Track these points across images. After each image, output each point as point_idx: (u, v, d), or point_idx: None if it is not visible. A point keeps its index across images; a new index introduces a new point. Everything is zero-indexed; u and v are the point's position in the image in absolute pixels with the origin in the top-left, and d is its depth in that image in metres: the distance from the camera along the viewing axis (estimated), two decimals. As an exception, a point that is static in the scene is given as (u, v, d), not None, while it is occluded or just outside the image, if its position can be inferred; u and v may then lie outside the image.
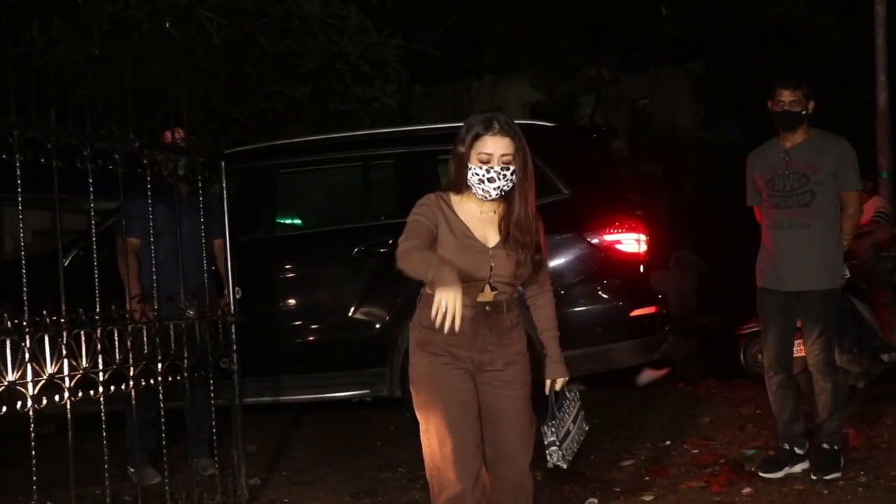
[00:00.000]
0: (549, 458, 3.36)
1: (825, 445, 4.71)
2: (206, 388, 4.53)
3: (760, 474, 4.80)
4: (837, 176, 4.61)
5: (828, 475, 4.62)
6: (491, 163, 3.10)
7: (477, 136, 3.12)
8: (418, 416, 3.23)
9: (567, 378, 3.37)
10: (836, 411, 4.71)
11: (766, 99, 4.78)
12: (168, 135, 4.77)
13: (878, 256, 6.82)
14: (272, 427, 6.45)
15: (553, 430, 3.35)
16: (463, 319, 2.86)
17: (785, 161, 4.68)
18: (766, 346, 4.83)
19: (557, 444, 3.34)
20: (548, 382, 3.36)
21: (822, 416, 4.72)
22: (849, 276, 4.78)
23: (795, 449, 4.80)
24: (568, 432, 3.39)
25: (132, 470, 5.15)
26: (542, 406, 3.37)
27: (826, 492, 4.55)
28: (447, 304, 2.77)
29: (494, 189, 3.12)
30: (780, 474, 4.76)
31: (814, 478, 4.61)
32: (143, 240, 4.91)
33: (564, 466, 3.37)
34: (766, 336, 4.83)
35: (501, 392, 3.21)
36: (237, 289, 4.95)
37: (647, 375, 7.58)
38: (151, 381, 4.10)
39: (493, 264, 3.15)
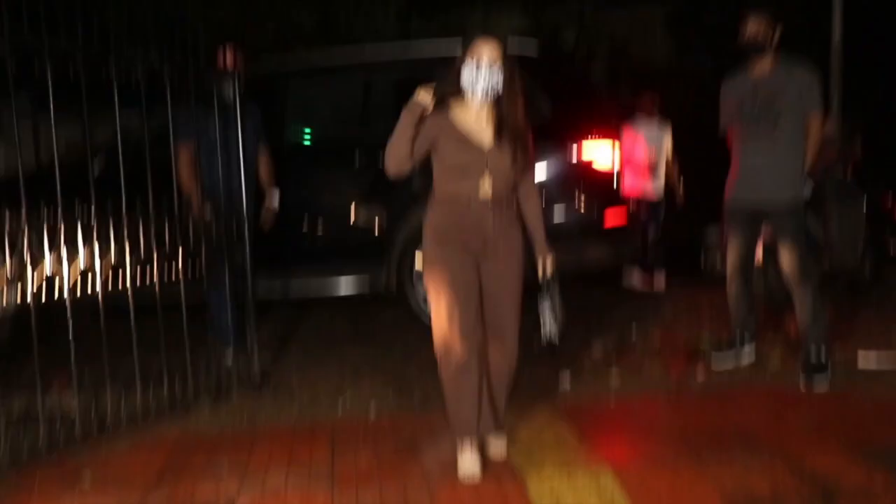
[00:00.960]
0: (543, 333, 3.52)
1: (811, 356, 4.56)
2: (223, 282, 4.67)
3: (713, 353, 4.94)
4: (802, 98, 4.56)
5: (816, 385, 4.47)
6: (481, 61, 3.26)
7: (470, 41, 3.30)
8: (430, 297, 3.40)
9: (553, 255, 3.53)
10: (818, 321, 4.58)
11: (731, 31, 4.76)
12: (220, 55, 4.96)
13: (824, 176, 6.87)
14: (279, 322, 6.56)
15: (548, 309, 3.52)
16: (472, 214, 3.30)
17: (753, 86, 4.65)
18: (729, 255, 4.85)
19: (552, 321, 3.51)
20: (540, 260, 3.53)
21: (804, 327, 4.61)
22: (810, 193, 4.69)
23: (746, 333, 4.89)
24: (557, 315, 3.52)
25: (229, 354, 5.02)
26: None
27: (768, 374, 4.69)
28: (422, 98, 3.24)
29: (482, 88, 3.27)
30: (729, 354, 4.89)
31: (803, 389, 4.46)
32: (196, 147, 4.96)
33: (557, 342, 3.51)
34: (730, 245, 4.85)
35: (501, 275, 3.41)
36: (276, 193, 5.35)
37: (634, 279, 7.67)
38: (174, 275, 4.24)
39: (489, 161, 3.32)
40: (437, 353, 3.41)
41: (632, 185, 7.45)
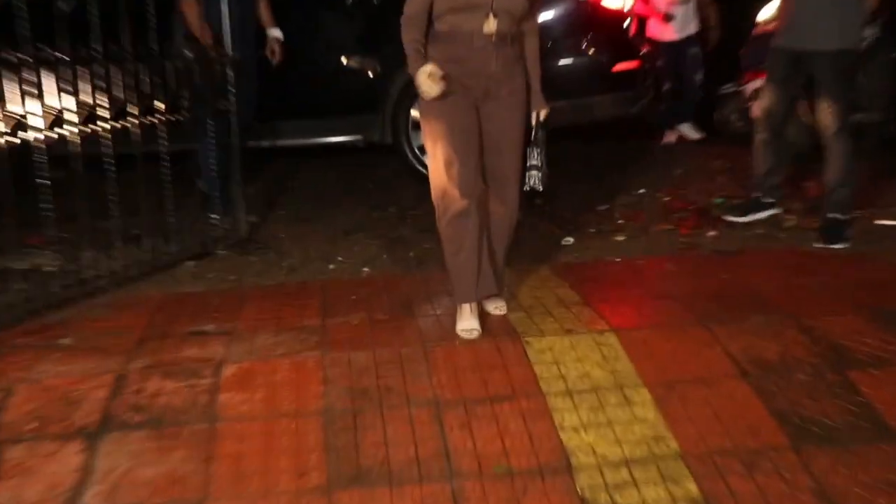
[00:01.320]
0: (527, 180, 3.48)
1: (831, 215, 4.52)
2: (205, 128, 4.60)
3: (726, 218, 4.92)
4: None
5: (833, 245, 4.45)
6: None
7: None
8: (426, 143, 3.38)
9: (548, 110, 3.48)
10: (847, 181, 4.49)
11: None
12: None
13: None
14: (269, 173, 6.51)
15: (536, 155, 3.47)
16: (474, 52, 3.23)
17: None
18: (762, 102, 4.75)
19: (539, 166, 3.47)
20: (534, 113, 3.46)
21: (831, 184, 4.53)
22: (869, 39, 4.48)
23: (764, 198, 4.86)
24: (544, 164, 3.49)
25: (214, 217, 5.03)
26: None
27: (783, 235, 4.69)
28: (425, 85, 3.14)
29: None
30: (745, 219, 4.87)
31: (817, 245, 4.47)
32: None
33: (541, 188, 3.49)
34: (765, 92, 4.74)
35: (503, 119, 3.36)
36: (277, 29, 5.38)
37: (670, 137, 7.57)
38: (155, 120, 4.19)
39: None
40: (435, 207, 3.40)
41: (652, 22, 7.26)
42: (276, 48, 5.45)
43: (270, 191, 6.05)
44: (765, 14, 6.55)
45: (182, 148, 4.63)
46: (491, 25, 3.23)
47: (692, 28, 7.33)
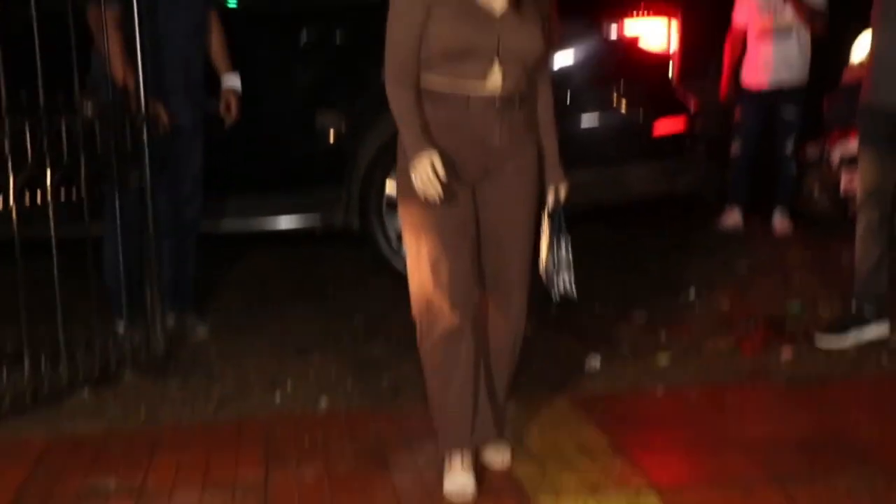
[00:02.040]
0: (556, 285, 3.50)
1: None
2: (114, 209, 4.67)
3: (818, 338, 4.90)
4: None
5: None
6: None
7: None
8: (405, 236, 3.39)
9: (567, 185, 3.51)
10: None
11: None
12: None
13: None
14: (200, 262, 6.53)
15: (565, 246, 3.50)
16: (471, 118, 3.24)
17: None
18: (861, 178, 4.83)
19: (570, 265, 3.50)
20: (551, 191, 3.50)
21: None
22: None
23: (868, 310, 4.88)
24: (571, 262, 3.52)
25: (121, 327, 5.05)
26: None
27: (886, 360, 4.72)
28: (423, 182, 3.15)
29: None
30: (844, 342, 4.85)
31: None
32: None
33: (575, 295, 3.52)
34: (861, 165, 4.83)
35: (506, 206, 3.39)
36: (235, 76, 5.37)
37: (731, 217, 7.69)
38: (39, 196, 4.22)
39: (500, 33, 3.23)
40: (416, 324, 3.42)
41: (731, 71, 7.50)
42: (233, 102, 5.42)
43: (198, 288, 6.06)
44: (859, 53, 6.67)
45: (80, 236, 4.65)
46: (495, 81, 3.26)
47: (794, 76, 7.46)
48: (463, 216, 3.34)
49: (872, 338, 4.86)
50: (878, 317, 4.89)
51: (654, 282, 6.13)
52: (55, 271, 4.34)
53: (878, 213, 4.78)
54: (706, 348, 4.93)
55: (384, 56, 3.26)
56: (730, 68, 7.67)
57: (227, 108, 5.40)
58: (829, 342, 4.86)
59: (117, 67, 4.78)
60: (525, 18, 3.27)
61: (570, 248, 3.50)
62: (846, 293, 5.13)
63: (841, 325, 4.93)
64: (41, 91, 4.19)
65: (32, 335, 4.30)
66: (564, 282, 3.50)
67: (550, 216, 3.50)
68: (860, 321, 4.88)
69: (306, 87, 6.05)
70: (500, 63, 3.24)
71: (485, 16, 3.23)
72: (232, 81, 5.41)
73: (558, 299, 3.52)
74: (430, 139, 3.21)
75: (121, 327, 4.98)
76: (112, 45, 4.72)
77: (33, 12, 4.12)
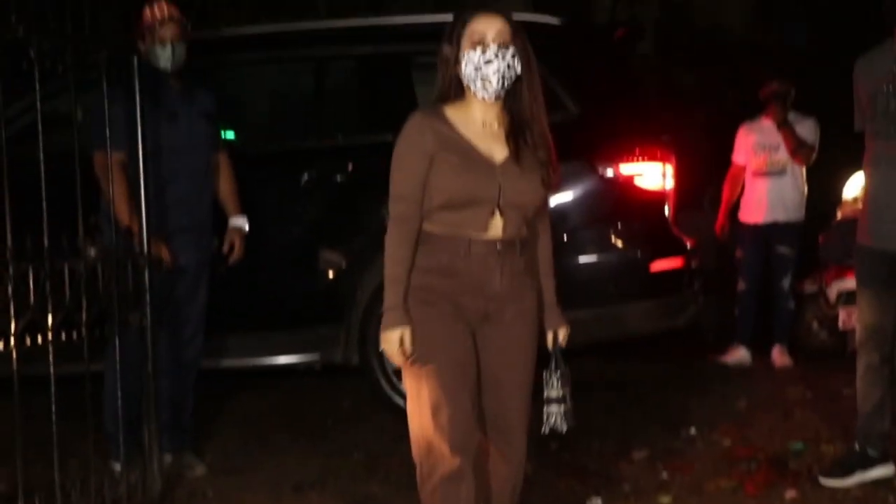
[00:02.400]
0: (546, 418, 3.48)
1: None
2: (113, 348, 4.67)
3: (822, 480, 4.84)
4: None
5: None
6: (485, 42, 3.25)
7: (465, 23, 3.29)
8: (406, 379, 3.39)
9: (567, 329, 3.55)
10: None
11: None
12: (147, 13, 5.02)
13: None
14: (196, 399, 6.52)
15: (557, 381, 3.48)
16: (472, 263, 3.30)
17: (893, 71, 4.53)
18: (860, 318, 4.85)
19: (560, 399, 3.48)
20: (550, 334, 3.53)
21: None
22: None
23: (872, 450, 4.82)
24: (567, 397, 3.51)
25: (117, 466, 4.96)
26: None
27: (892, 499, 4.68)
28: (389, 353, 3.31)
29: (495, 74, 3.25)
30: (848, 481, 4.78)
31: None
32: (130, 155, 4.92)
33: (564, 430, 3.50)
34: (860, 305, 4.84)
35: (506, 351, 3.40)
36: (245, 218, 5.43)
37: (735, 355, 7.71)
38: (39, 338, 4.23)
39: (501, 182, 3.29)
40: (416, 466, 3.40)
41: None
42: (237, 242, 5.45)
43: (196, 424, 6.04)
44: (852, 190, 6.78)
45: (78, 372, 4.65)
46: (497, 228, 3.32)
47: (789, 214, 7.58)
48: (463, 360, 3.35)
49: (877, 478, 4.80)
50: (882, 457, 4.84)
51: (654, 417, 6.11)
52: (53, 409, 4.32)
53: (879, 354, 4.78)
54: (708, 487, 4.88)
55: (388, 202, 3.33)
56: (727, 204, 7.80)
57: (231, 247, 5.44)
58: (834, 484, 4.80)
59: (122, 210, 4.86)
60: (525, 167, 3.33)
61: (561, 384, 3.49)
62: (848, 430, 5.13)
63: (845, 466, 4.87)
64: (46, 235, 4.24)
65: (28, 474, 4.26)
66: (553, 415, 3.48)
67: (552, 355, 3.52)
68: (864, 462, 4.82)
69: (307, 226, 6.12)
70: (502, 211, 3.30)
71: (486, 166, 3.30)
72: (238, 222, 5.47)
73: (547, 432, 3.50)
74: (406, 311, 3.28)
75: (117, 466, 4.94)
76: (116, 188, 4.80)
77: (40, 155, 4.19)
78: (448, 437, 3.29)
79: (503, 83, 3.27)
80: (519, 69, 3.28)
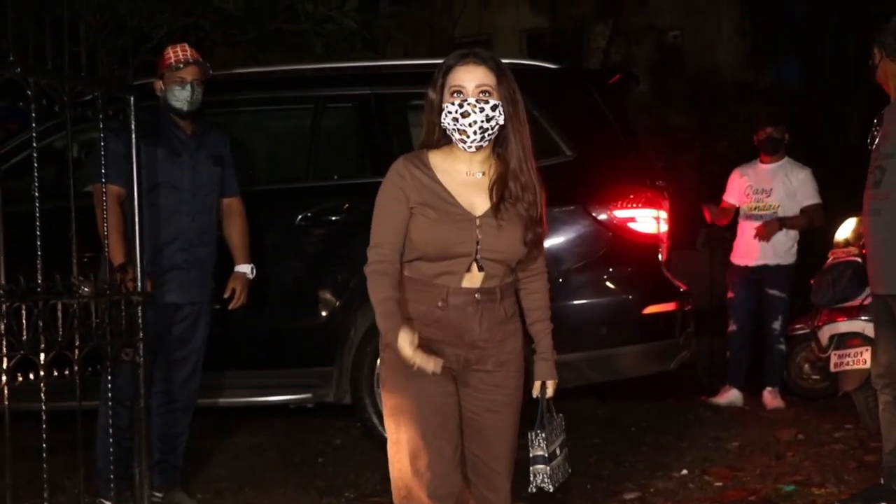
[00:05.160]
0: (532, 477, 3.45)
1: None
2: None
3: None
4: None
5: None
6: (464, 94, 3.20)
7: (448, 71, 3.25)
8: (387, 423, 3.36)
9: (556, 383, 3.51)
10: None
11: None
12: (170, 54, 5.07)
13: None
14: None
15: (542, 441, 3.44)
16: (450, 311, 3.26)
17: (876, 124, 4.71)
18: (878, 358, 4.98)
19: (546, 458, 3.44)
20: (537, 384, 3.49)
21: None
22: None
23: (893, 484, 4.83)
24: (555, 454, 3.48)
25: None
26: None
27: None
28: (413, 361, 3.12)
29: (471, 127, 3.20)
30: None
31: None
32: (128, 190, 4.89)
33: (550, 489, 3.47)
34: (879, 346, 4.98)
35: (489, 398, 3.37)
36: (251, 266, 5.41)
37: (728, 397, 7.70)
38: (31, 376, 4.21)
39: (479, 236, 3.26)
40: (396, 507, 3.38)
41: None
42: (239, 287, 5.41)
43: (185, 462, 6.01)
44: (842, 233, 6.81)
45: (68, 407, 4.62)
46: (475, 279, 3.29)
47: (779, 257, 7.63)
48: (443, 405, 3.32)
49: None
50: None
51: (645, 457, 6.10)
52: (44, 445, 4.30)
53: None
54: (699, 532, 4.88)
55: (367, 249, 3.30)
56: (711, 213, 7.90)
57: (233, 293, 5.40)
58: None
59: (114, 245, 4.84)
60: (506, 221, 3.28)
61: (547, 443, 3.45)
62: (839, 473, 5.24)
63: (869, 499, 4.90)
64: (39, 274, 4.23)
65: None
66: (539, 474, 3.45)
67: (539, 409, 3.48)
68: (889, 496, 4.85)
69: (302, 263, 6.11)
70: (479, 265, 3.28)
71: (464, 219, 3.26)
72: (243, 269, 5.45)
73: (534, 490, 3.47)
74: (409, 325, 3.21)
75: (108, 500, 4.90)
76: (110, 222, 4.79)
77: (35, 193, 4.19)
78: (426, 484, 3.27)
79: (483, 135, 3.22)
80: (502, 119, 3.23)
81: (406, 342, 3.11)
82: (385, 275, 3.24)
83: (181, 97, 5.05)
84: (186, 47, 5.14)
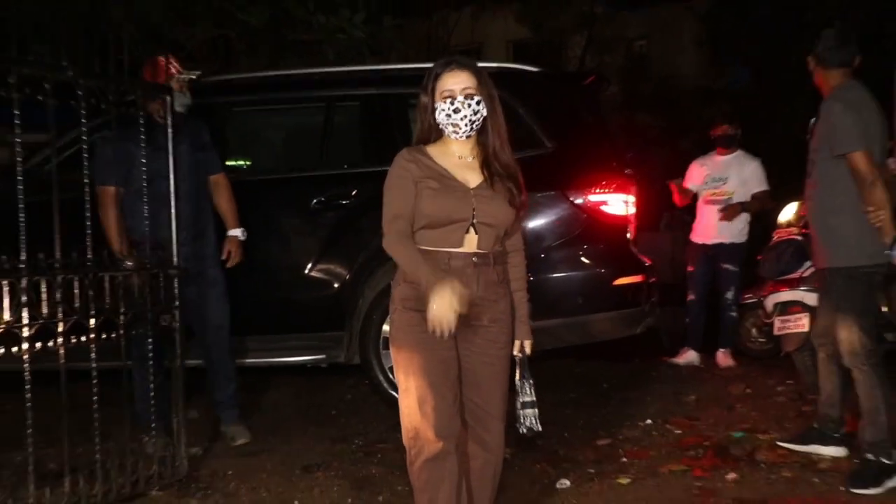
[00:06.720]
0: (521, 420, 3.56)
1: (865, 454, 4.64)
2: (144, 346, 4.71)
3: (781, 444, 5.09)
4: (829, 137, 4.65)
5: (859, 489, 4.49)
6: (453, 95, 3.38)
7: (437, 78, 3.43)
8: (397, 375, 3.46)
9: (532, 342, 3.62)
10: (877, 411, 4.60)
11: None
12: (172, 65, 5.09)
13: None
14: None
15: (529, 389, 3.56)
16: (453, 271, 3.36)
17: (814, 121, 4.83)
18: (816, 319, 5.16)
19: (534, 402, 3.56)
20: (517, 344, 3.59)
21: (863, 418, 4.67)
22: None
23: (832, 431, 4.99)
24: (535, 402, 3.57)
25: (147, 439, 5.01)
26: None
27: (816, 480, 4.71)
28: (442, 308, 3.17)
29: (462, 120, 3.39)
30: (803, 447, 5.05)
31: (841, 489, 4.54)
32: (127, 187, 5.13)
33: (539, 429, 3.55)
34: (818, 310, 5.13)
35: (485, 350, 3.48)
36: (242, 229, 5.60)
37: (686, 357, 7.77)
38: (83, 338, 4.26)
39: (475, 204, 3.39)
40: (406, 449, 3.45)
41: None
42: (233, 249, 5.59)
43: (214, 414, 6.05)
44: (786, 215, 6.86)
45: (114, 366, 4.66)
46: (472, 244, 3.40)
47: (734, 236, 7.70)
48: (446, 359, 3.41)
49: (829, 455, 4.98)
50: (836, 440, 4.99)
51: (615, 410, 6.15)
52: (94, 398, 4.35)
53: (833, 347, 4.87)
54: (662, 470, 4.90)
55: (382, 223, 3.40)
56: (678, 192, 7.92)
57: (228, 253, 5.59)
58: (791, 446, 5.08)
59: (112, 237, 5.07)
60: (495, 191, 3.44)
61: (533, 390, 3.57)
62: (781, 421, 5.30)
63: (805, 438, 5.07)
64: (89, 249, 4.28)
65: (73, 454, 4.27)
66: (529, 418, 3.56)
67: (518, 363, 3.58)
68: (822, 437, 5.01)
69: (315, 241, 6.12)
70: (476, 229, 3.40)
71: (461, 190, 3.41)
72: (235, 233, 5.63)
73: (525, 432, 3.57)
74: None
75: (150, 447, 4.95)
76: (109, 218, 5.10)
77: (85, 180, 4.25)
78: (432, 425, 3.36)
79: (471, 126, 3.40)
80: (485, 112, 3.41)
81: (452, 291, 3.19)
82: (408, 237, 3.40)
83: (184, 101, 5.21)
84: (174, 60, 5.24)
